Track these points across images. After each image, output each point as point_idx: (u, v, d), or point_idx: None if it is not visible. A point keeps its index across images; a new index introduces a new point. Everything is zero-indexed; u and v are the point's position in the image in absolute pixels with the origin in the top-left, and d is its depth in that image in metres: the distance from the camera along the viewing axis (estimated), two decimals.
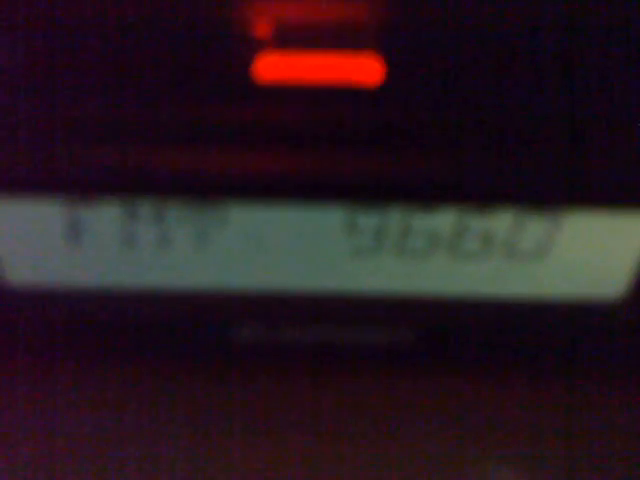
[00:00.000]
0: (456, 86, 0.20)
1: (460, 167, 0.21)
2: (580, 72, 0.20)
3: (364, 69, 0.20)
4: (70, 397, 0.25)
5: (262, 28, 0.20)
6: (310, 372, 0.26)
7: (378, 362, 0.26)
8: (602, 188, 0.21)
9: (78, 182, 0.21)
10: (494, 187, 0.21)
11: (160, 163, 0.20)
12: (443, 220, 0.23)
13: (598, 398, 0.25)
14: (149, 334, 0.25)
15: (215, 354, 0.25)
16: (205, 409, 0.25)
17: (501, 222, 0.23)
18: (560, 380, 0.26)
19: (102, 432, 0.24)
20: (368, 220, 0.23)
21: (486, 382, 0.26)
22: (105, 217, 0.22)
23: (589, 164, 0.21)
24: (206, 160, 0.21)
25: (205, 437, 0.24)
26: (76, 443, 0.24)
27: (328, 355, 0.25)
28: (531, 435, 0.25)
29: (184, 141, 0.20)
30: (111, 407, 0.25)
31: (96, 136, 0.20)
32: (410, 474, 0.24)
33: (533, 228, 0.23)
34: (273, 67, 0.20)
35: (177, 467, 0.24)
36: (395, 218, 0.23)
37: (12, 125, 0.20)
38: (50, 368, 0.25)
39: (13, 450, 0.24)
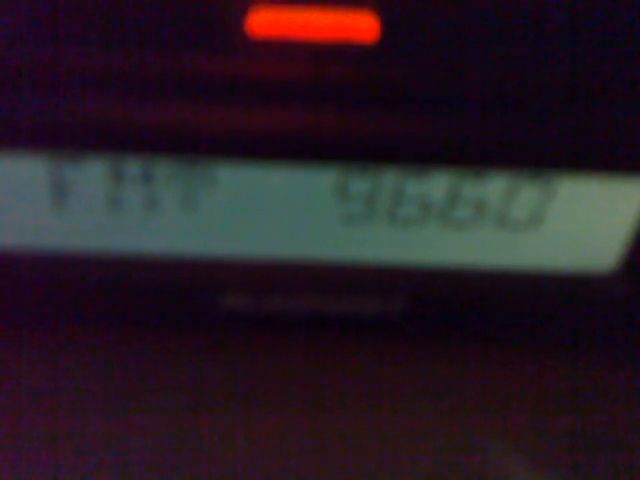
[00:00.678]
0: (453, 45, 0.20)
1: (455, 127, 0.21)
2: (578, 35, 0.20)
3: (360, 26, 0.20)
4: (55, 364, 0.24)
5: None
6: (300, 341, 0.25)
7: (369, 331, 0.25)
8: (596, 153, 0.21)
9: (63, 137, 0.20)
10: (489, 147, 0.21)
11: (148, 118, 0.20)
12: (435, 187, 0.23)
13: (596, 368, 0.25)
14: (137, 298, 0.24)
15: (203, 321, 0.25)
16: (196, 378, 0.25)
17: (494, 190, 0.23)
18: (554, 351, 0.26)
19: (86, 400, 0.24)
20: (359, 186, 0.23)
21: (478, 352, 0.26)
22: (91, 178, 0.22)
23: (584, 128, 0.21)
24: (195, 116, 0.20)
25: (197, 407, 0.24)
26: (62, 415, 0.24)
27: (318, 324, 0.25)
28: (527, 406, 0.25)
29: (173, 96, 0.20)
30: (97, 374, 0.24)
31: (82, 90, 0.20)
32: (401, 444, 0.24)
33: (526, 196, 0.23)
34: (267, 23, 0.19)
35: (166, 436, 0.23)
36: (387, 184, 0.23)
37: None
38: (34, 334, 0.24)
39: None
